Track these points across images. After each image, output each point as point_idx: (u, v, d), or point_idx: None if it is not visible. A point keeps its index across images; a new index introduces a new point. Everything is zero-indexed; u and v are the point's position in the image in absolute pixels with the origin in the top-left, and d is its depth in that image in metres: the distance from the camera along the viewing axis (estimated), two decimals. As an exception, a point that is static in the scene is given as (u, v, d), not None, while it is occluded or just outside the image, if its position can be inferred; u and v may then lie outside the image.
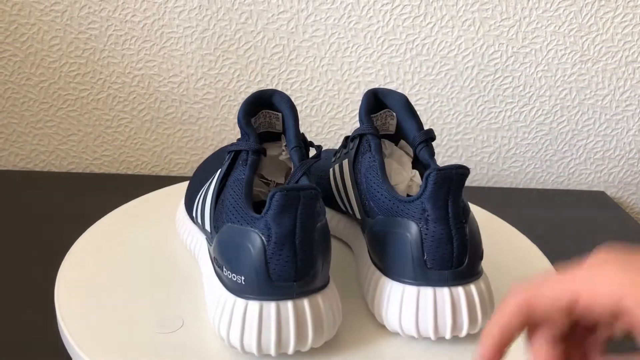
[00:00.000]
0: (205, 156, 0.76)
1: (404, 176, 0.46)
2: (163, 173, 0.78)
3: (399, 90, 0.77)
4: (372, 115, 0.47)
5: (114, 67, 0.73)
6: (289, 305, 0.38)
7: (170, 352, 0.41)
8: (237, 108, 0.76)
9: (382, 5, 0.72)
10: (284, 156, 0.48)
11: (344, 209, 0.50)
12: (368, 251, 0.45)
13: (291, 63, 0.74)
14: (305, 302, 0.38)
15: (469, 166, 0.81)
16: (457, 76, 0.76)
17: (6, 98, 0.73)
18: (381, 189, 0.43)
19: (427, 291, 0.40)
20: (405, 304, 0.41)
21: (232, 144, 0.45)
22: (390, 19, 0.73)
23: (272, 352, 0.38)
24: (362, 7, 0.72)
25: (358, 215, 0.47)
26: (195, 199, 0.50)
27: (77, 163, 0.77)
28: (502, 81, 0.77)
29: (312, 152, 0.51)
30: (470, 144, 0.80)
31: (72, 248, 0.51)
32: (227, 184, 0.43)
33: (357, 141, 0.46)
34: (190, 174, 0.73)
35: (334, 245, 0.51)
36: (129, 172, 0.77)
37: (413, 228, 0.40)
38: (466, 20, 0.74)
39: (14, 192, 0.70)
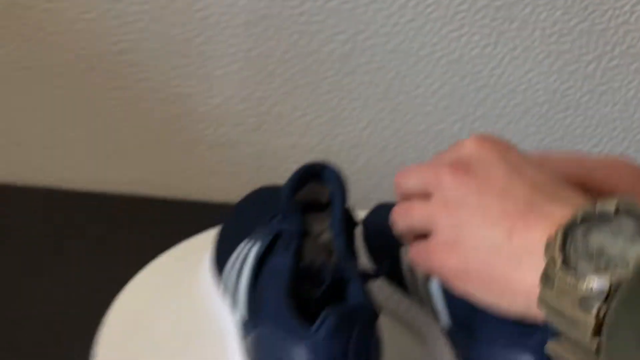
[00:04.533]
0: (242, 183, 0.70)
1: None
2: (197, 197, 0.72)
3: (459, 124, 0.70)
4: None
5: (147, 83, 0.66)
6: None
7: None
8: (280, 134, 0.70)
9: (449, 32, 0.65)
10: (325, 238, 0.42)
11: (418, 299, 0.44)
12: None
13: (343, 89, 0.67)
14: None
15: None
16: (524, 112, 0.69)
17: (29, 109, 0.67)
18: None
19: None
20: None
21: (273, 217, 0.40)
22: (456, 46, 0.66)
23: None
24: (426, 32, 0.65)
25: (446, 324, 0.40)
26: (226, 267, 0.44)
27: (104, 182, 0.71)
28: (572, 120, 0.70)
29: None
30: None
31: (105, 323, 0.46)
32: (266, 269, 0.38)
33: None
34: (225, 199, 0.67)
35: (398, 334, 0.47)
36: (161, 195, 0.71)
37: None
38: (540, 52, 0.66)
39: (39, 210, 0.64)
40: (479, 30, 0.65)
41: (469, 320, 0.38)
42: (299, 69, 0.66)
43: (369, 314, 0.33)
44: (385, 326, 0.46)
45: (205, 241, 0.55)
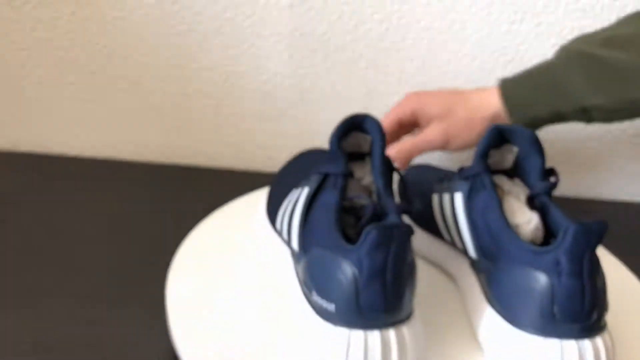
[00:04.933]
0: (286, 154, 0.76)
1: (527, 217, 0.45)
2: (243, 167, 0.78)
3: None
4: (492, 150, 0.47)
5: (201, 63, 0.73)
6: (376, 334, 0.39)
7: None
8: (322, 108, 0.76)
9: (479, 10, 0.70)
10: (366, 181, 0.48)
11: (448, 239, 0.50)
12: (485, 293, 0.45)
13: (379, 65, 0.73)
14: (392, 332, 0.39)
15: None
16: (549, 85, 0.73)
17: (94, 88, 0.74)
18: (504, 234, 0.43)
19: (554, 343, 0.40)
20: (530, 354, 0.40)
21: (321, 164, 0.46)
22: (485, 23, 0.71)
23: None
24: (457, 10, 0.70)
25: (472, 254, 0.46)
26: (279, 211, 0.50)
27: (161, 153, 0.78)
28: (596, 91, 0.74)
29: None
30: (556, 152, 0.77)
31: (177, 256, 0.52)
32: (315, 206, 0.44)
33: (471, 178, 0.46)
34: (270, 169, 0.73)
35: (430, 270, 0.52)
36: (210, 165, 0.78)
37: (544, 280, 0.40)
38: (564, 28, 0.71)
39: (98, 181, 0.71)
40: (506, 7, 0.70)
41: (492, 249, 0.44)
42: (338, 47, 0.72)
43: (405, 231, 0.38)
44: (420, 267, 0.53)
45: (259, 197, 0.61)
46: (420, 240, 0.54)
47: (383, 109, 0.76)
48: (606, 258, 0.57)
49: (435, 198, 0.50)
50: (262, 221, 0.53)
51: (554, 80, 0.56)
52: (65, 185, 0.69)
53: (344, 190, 0.44)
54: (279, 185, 0.54)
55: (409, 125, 0.63)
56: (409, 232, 0.39)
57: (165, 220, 0.63)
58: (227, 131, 0.77)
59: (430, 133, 0.60)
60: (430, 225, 0.52)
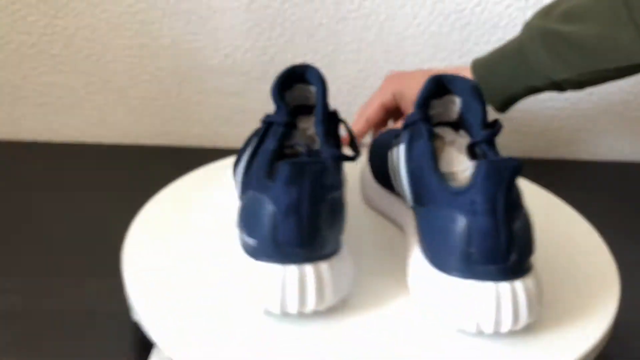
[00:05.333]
0: (251, 129, 0.77)
1: (465, 165, 0.45)
2: (210, 145, 0.79)
3: (446, 62, 0.75)
4: (434, 101, 0.47)
5: (162, 40, 0.74)
6: (293, 269, 0.40)
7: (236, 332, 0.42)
8: (283, 80, 0.76)
9: (430, -27, 0.71)
10: (311, 131, 0.48)
11: (399, 192, 0.50)
12: (419, 241, 0.45)
13: (338, 34, 0.74)
14: (309, 268, 0.40)
15: (520, 138, 0.79)
16: (508, 46, 0.74)
17: (57, 71, 0.75)
18: (432, 178, 0.43)
19: (472, 284, 0.39)
20: (450, 296, 0.40)
21: (266, 116, 0.47)
22: (438, -13, 0.71)
23: (277, 311, 0.41)
24: (409, -25, 0.71)
25: (410, 202, 0.46)
26: (236, 167, 0.51)
27: (126, 135, 0.79)
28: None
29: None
30: (517, 115, 0.77)
31: (134, 223, 0.52)
32: (257, 154, 0.45)
33: (412, 127, 0.46)
34: (236, 145, 0.74)
35: (385, 225, 0.54)
36: (175, 144, 0.78)
37: (461, 220, 0.39)
38: (518, -13, 0.71)
39: (64, 164, 0.72)
40: (458, -30, 0.71)
41: (422, 195, 0.44)
42: (296, 18, 0.73)
43: (318, 167, 0.39)
44: (374, 219, 0.54)
45: (213, 169, 0.62)
46: (380, 197, 0.54)
47: (344, 79, 0.77)
48: (563, 208, 0.58)
49: (389, 154, 0.51)
50: (224, 183, 0.55)
51: (524, 60, 0.59)
52: (26, 169, 0.70)
53: (283, 137, 0.45)
54: (243, 145, 0.55)
55: (392, 109, 0.64)
56: (322, 168, 0.39)
57: (129, 200, 0.63)
58: (191, 108, 0.77)
59: None
60: (387, 182, 0.52)
